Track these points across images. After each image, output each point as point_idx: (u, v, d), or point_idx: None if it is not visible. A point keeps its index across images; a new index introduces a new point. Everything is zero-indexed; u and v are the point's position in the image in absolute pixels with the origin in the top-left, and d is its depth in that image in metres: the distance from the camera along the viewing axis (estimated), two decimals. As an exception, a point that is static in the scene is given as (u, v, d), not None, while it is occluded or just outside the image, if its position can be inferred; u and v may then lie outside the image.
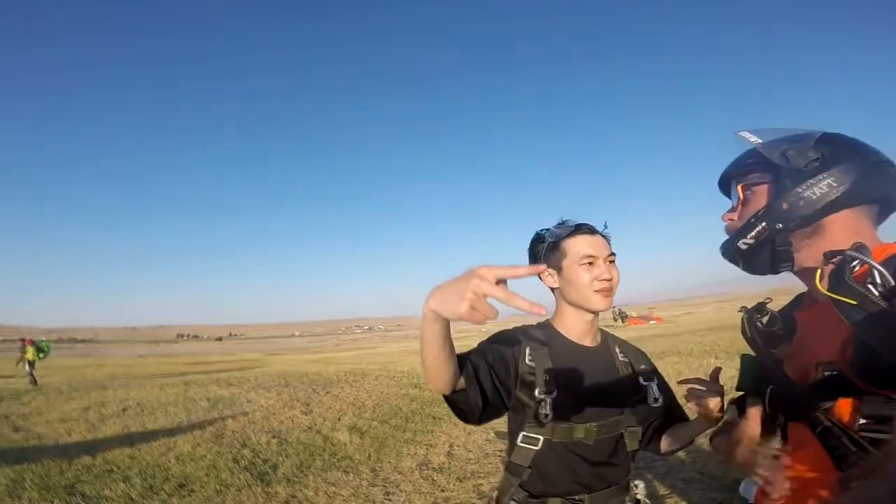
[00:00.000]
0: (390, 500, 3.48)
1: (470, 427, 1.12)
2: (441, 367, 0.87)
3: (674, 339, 14.16)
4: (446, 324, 0.77)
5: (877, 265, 0.65)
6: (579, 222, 1.14)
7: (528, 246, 1.21)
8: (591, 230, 1.14)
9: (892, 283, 0.64)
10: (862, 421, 0.69)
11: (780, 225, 0.80)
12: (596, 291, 1.09)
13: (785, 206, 0.79)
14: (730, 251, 0.87)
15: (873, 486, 0.34)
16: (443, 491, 3.62)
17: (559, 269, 1.12)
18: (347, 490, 3.74)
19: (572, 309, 1.15)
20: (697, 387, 1.02)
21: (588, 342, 1.17)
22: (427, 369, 0.88)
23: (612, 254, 1.13)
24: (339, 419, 6.43)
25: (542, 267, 0.72)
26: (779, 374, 0.86)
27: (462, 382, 0.97)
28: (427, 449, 4.57)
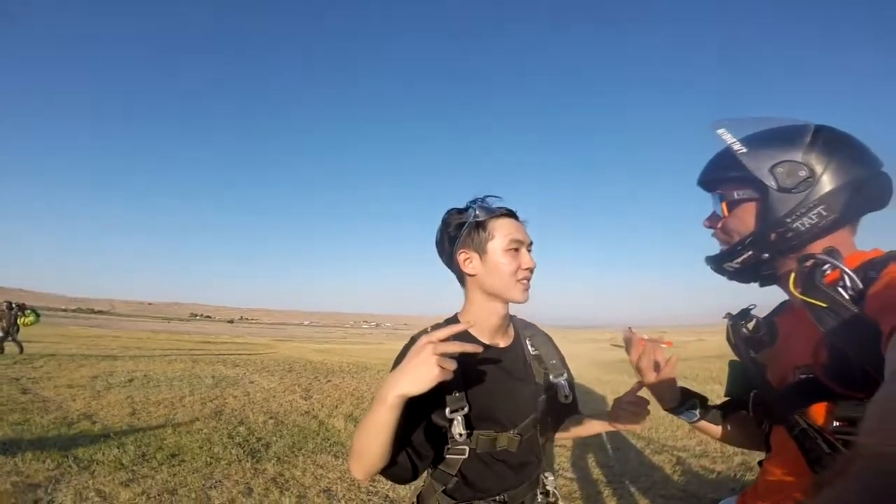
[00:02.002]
0: (375, 487, 3.49)
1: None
2: (385, 451, 0.82)
3: (681, 364, 13.90)
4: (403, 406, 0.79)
5: (847, 269, 0.67)
6: (501, 205, 1.04)
7: (441, 223, 1.07)
8: (516, 215, 1.06)
9: (861, 287, 0.66)
10: (835, 423, 0.70)
11: (767, 255, 0.81)
12: (519, 281, 1.01)
13: (773, 236, 0.79)
14: (715, 267, 0.90)
15: (840, 487, 0.34)
16: (429, 485, 3.61)
17: (482, 252, 1.01)
18: (335, 473, 3.77)
19: (486, 299, 1.04)
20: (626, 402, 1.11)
21: (500, 341, 1.09)
22: (368, 456, 0.82)
23: (532, 242, 1.06)
24: (336, 407, 6.49)
25: (467, 324, 0.85)
26: (761, 379, 0.87)
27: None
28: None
